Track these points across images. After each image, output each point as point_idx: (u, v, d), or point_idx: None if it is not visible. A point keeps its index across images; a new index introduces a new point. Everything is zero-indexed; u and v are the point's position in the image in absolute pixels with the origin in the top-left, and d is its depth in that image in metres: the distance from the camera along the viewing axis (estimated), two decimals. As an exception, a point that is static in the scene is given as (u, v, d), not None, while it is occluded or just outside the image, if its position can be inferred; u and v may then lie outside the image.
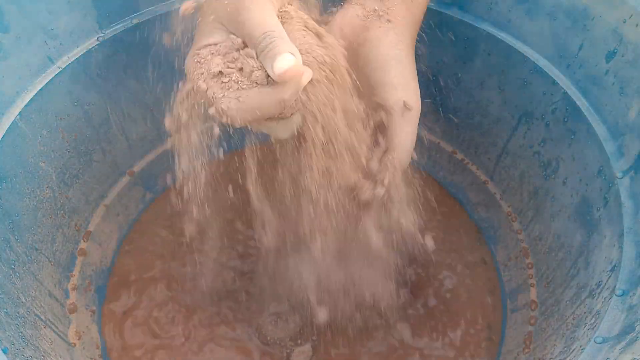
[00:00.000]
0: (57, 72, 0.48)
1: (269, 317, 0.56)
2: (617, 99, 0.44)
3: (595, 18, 0.44)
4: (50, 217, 0.51)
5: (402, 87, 0.41)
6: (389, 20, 0.41)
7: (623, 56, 0.43)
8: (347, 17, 0.42)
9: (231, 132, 0.38)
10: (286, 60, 0.32)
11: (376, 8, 0.41)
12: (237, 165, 0.44)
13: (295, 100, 0.34)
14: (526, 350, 0.51)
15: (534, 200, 0.55)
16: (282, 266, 0.55)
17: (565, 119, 0.49)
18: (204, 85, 0.34)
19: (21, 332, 0.43)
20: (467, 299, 0.58)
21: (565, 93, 0.48)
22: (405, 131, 0.41)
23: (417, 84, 0.42)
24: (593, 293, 0.42)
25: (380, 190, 0.41)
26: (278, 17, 0.36)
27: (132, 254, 0.61)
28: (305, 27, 0.37)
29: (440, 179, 0.66)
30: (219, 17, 0.36)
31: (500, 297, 0.58)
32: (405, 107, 0.40)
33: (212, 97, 0.34)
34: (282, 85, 0.33)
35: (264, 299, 0.57)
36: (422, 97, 0.42)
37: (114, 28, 0.52)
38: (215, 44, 0.36)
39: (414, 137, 0.42)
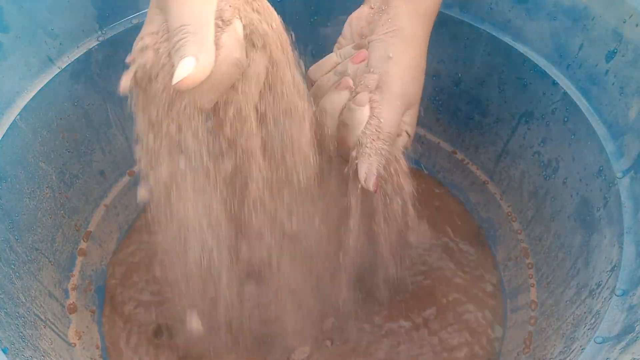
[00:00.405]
0: (57, 72, 0.49)
1: (269, 317, 0.56)
2: (617, 99, 0.44)
3: (595, 18, 0.44)
4: (50, 217, 0.51)
5: (376, 69, 0.40)
6: (388, 14, 0.42)
7: (623, 56, 0.43)
8: (356, 13, 0.44)
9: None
10: (184, 68, 0.29)
11: (381, 5, 0.42)
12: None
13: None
14: (526, 350, 0.51)
15: (534, 200, 0.55)
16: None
17: (565, 119, 0.49)
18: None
19: (21, 332, 0.43)
20: (466, 299, 0.58)
21: (565, 93, 0.48)
22: (384, 111, 0.39)
23: (408, 74, 0.40)
24: (593, 293, 0.42)
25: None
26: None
27: (132, 254, 0.61)
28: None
29: (440, 179, 0.66)
30: None
31: (500, 297, 0.58)
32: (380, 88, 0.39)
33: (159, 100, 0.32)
34: (221, 63, 0.30)
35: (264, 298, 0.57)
36: (422, 98, 0.42)
37: (114, 28, 0.52)
38: (157, 33, 0.33)
39: (396, 121, 0.40)
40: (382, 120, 0.39)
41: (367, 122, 0.39)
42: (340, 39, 0.45)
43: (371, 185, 0.39)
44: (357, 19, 0.44)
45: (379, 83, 0.39)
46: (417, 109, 0.42)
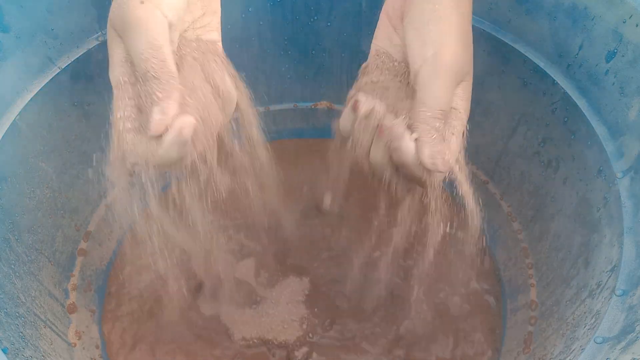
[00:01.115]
0: (57, 72, 0.48)
1: (269, 317, 0.56)
2: (617, 99, 0.43)
3: (595, 18, 0.44)
4: (50, 217, 0.51)
5: (432, 43, 0.35)
6: None
7: (623, 56, 0.43)
8: (389, 2, 0.40)
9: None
10: (157, 115, 0.31)
11: None
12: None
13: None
14: (526, 350, 0.50)
15: (534, 200, 0.55)
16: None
17: (565, 119, 0.49)
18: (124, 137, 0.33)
19: (21, 332, 0.43)
20: (467, 300, 0.58)
21: (565, 93, 0.48)
22: (435, 86, 0.35)
23: (460, 42, 0.36)
24: (593, 293, 0.42)
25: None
26: (176, 43, 0.33)
27: (132, 253, 0.61)
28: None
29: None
30: (113, 23, 0.33)
31: (501, 297, 0.58)
32: (436, 60, 0.35)
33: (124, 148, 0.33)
34: (165, 143, 0.31)
35: (264, 298, 0.58)
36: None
37: (114, 28, 0.52)
38: (126, 60, 0.33)
39: (448, 94, 0.35)
40: (434, 96, 0.35)
41: (415, 103, 0.35)
42: (376, 32, 0.41)
43: (440, 165, 0.35)
44: (392, 3, 0.40)
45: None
46: (471, 80, 0.38)
